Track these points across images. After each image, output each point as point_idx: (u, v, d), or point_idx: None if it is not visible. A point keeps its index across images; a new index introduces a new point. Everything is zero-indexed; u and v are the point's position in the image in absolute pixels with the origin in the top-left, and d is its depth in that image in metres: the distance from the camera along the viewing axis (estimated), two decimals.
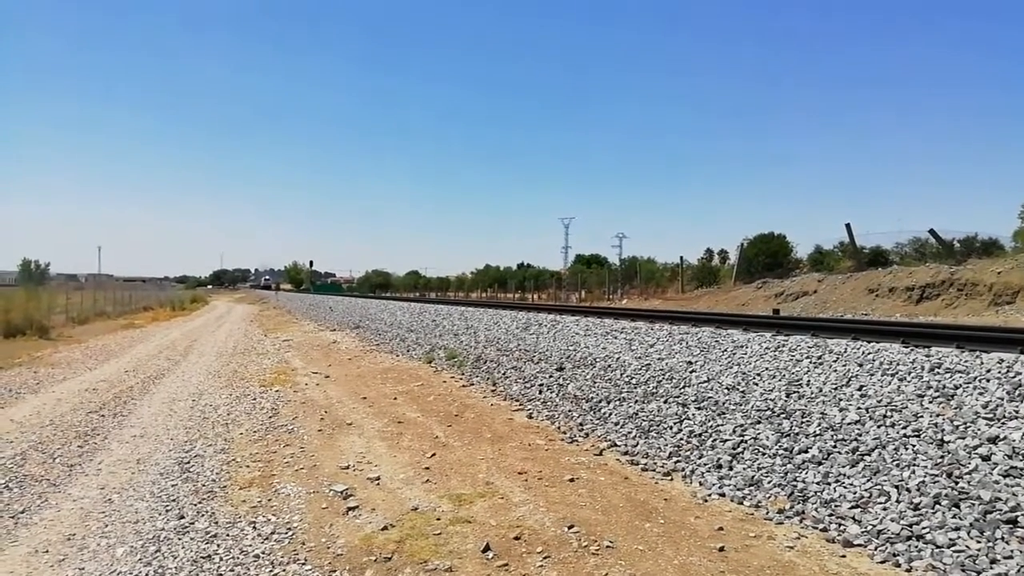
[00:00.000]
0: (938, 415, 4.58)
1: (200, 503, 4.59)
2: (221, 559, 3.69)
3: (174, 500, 4.65)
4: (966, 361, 5.37)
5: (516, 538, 3.94)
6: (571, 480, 5.02)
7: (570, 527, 4.09)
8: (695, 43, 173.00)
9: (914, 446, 4.34)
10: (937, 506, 3.77)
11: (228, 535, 4.02)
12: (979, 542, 3.43)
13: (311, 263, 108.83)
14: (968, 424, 4.36)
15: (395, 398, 8.53)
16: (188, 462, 5.60)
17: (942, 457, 4.13)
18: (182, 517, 4.32)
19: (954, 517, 3.65)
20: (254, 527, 4.14)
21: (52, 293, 23.60)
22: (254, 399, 8.51)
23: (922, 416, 4.63)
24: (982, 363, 5.24)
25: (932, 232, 22.24)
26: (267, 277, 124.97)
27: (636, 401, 6.68)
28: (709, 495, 4.64)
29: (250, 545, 3.87)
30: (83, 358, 13.28)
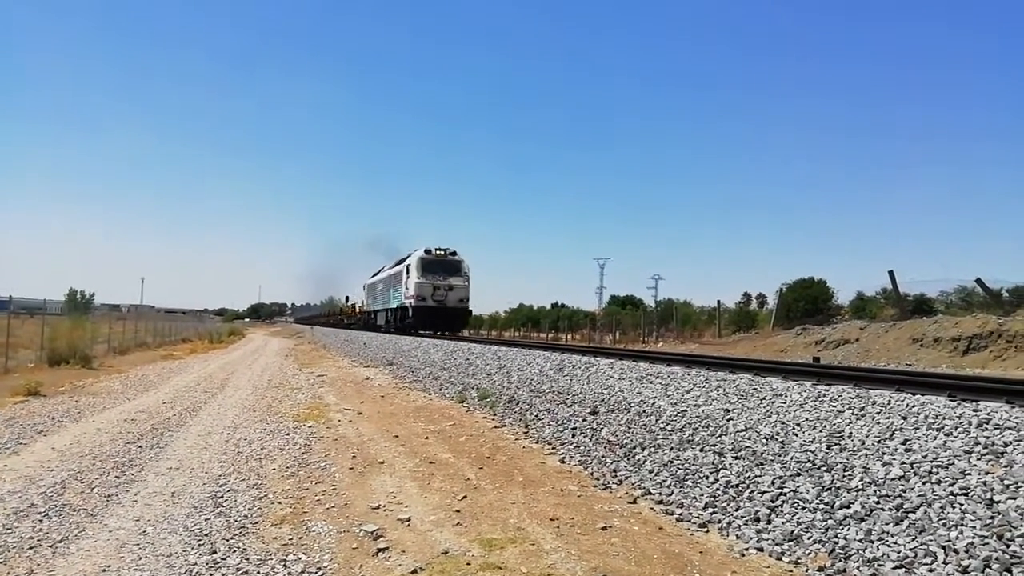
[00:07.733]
0: (987, 473, 4.41)
1: (232, 538, 4.61)
2: None
3: (207, 534, 4.68)
4: (1016, 417, 5.17)
5: None
6: (604, 528, 4.93)
7: None
8: (738, 93, 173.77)
9: (962, 505, 4.17)
10: (988, 570, 3.61)
11: (259, 572, 4.02)
12: None
13: (347, 299, 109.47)
14: (1019, 484, 4.18)
15: (427, 437, 8.52)
16: (221, 496, 5.65)
17: (992, 518, 3.96)
18: (214, 552, 4.34)
19: None
20: (284, 565, 4.14)
21: (96, 323, 24.23)
22: (287, 434, 8.57)
23: (970, 473, 4.46)
24: None
25: (979, 281, 21.68)
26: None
27: (671, 448, 6.57)
28: (746, 549, 4.51)
29: None
30: (123, 388, 13.56)
